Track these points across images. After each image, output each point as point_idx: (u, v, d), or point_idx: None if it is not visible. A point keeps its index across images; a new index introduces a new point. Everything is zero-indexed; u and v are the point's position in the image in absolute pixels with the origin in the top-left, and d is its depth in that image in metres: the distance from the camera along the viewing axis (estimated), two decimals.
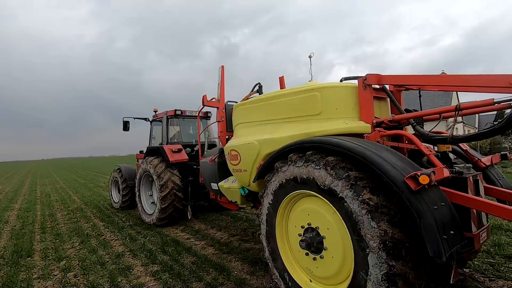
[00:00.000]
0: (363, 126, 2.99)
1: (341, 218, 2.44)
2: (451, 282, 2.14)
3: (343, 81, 3.56)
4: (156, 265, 4.54)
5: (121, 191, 8.52)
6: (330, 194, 2.49)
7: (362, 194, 2.25)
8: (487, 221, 2.77)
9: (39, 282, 4.23)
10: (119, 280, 4.10)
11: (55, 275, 4.41)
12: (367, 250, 2.22)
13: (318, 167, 2.56)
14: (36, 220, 8.34)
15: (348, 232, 2.40)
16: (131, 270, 4.41)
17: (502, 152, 3.42)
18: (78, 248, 5.61)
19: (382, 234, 2.13)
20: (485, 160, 3.24)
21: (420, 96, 3.22)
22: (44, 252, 5.52)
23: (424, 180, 1.98)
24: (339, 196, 2.39)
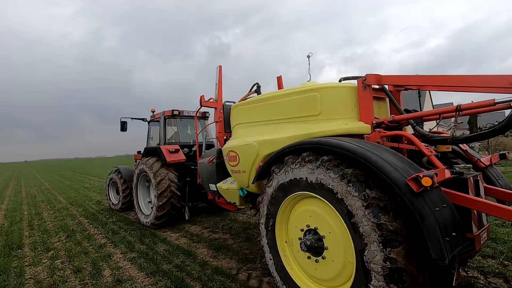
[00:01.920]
0: (363, 127, 2.97)
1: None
2: (453, 284, 2.13)
3: (342, 81, 3.54)
4: (133, 253, 5.18)
5: (121, 193, 8.44)
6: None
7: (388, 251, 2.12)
8: (487, 221, 2.77)
9: (30, 268, 4.79)
10: (101, 264, 4.73)
11: (44, 263, 4.99)
12: None
13: (356, 192, 2.32)
14: (23, 218, 8.72)
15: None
16: (111, 257, 5.02)
17: (501, 152, 3.42)
18: (64, 241, 6.15)
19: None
20: (485, 160, 3.24)
21: (419, 96, 3.21)
22: (33, 245, 6.01)
23: (426, 182, 1.97)
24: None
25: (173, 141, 7.47)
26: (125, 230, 6.70)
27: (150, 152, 7.09)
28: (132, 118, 8.54)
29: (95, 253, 5.25)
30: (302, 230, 2.88)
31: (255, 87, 4.96)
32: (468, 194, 2.45)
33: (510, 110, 2.48)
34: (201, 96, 5.24)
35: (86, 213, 8.85)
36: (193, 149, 7.31)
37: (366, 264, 2.23)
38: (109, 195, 9.19)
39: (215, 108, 5.16)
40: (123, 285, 3.99)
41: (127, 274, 4.31)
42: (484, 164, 3.19)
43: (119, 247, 5.53)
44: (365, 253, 2.23)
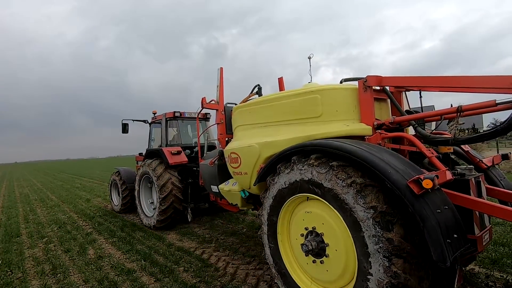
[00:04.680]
0: (364, 128, 2.97)
1: None
2: (455, 285, 2.12)
3: (343, 83, 3.54)
4: (115, 238, 6.16)
5: (120, 194, 8.47)
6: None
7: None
8: (489, 222, 2.76)
9: (28, 250, 5.76)
10: (86, 246, 5.72)
11: (40, 246, 5.98)
12: None
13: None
14: (19, 214, 9.61)
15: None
16: (95, 242, 6.04)
17: (503, 153, 3.41)
18: (56, 231, 7.09)
19: None
20: (487, 161, 3.23)
21: (421, 97, 3.20)
22: (29, 234, 6.99)
23: (427, 184, 1.96)
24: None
25: (175, 142, 7.48)
26: (110, 222, 7.65)
27: (152, 154, 7.11)
28: (133, 120, 8.57)
29: (82, 239, 6.26)
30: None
31: (256, 89, 4.97)
32: (470, 195, 2.44)
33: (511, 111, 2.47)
34: (202, 98, 5.25)
35: (76, 209, 9.68)
36: (195, 150, 7.32)
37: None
38: (111, 196, 9.21)
39: (217, 110, 5.18)
40: (103, 259, 4.98)
41: (107, 252, 5.34)
42: (486, 165, 3.18)
43: (103, 234, 6.54)
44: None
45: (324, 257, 2.67)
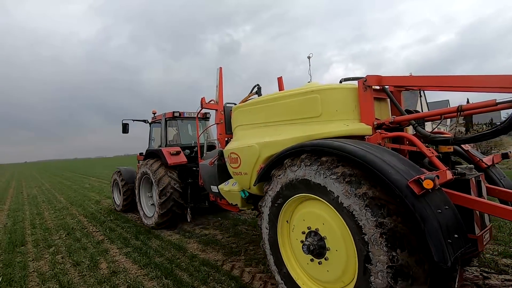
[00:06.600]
0: (364, 128, 2.96)
1: None
2: (456, 285, 2.12)
3: (343, 82, 3.54)
4: (129, 248, 5.53)
5: (121, 194, 8.48)
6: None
7: None
8: (490, 222, 2.76)
9: (33, 263, 5.18)
10: (98, 258, 5.09)
11: (46, 257, 5.37)
12: None
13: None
14: (25, 218, 9.08)
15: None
16: (108, 252, 5.39)
17: (503, 152, 3.40)
18: (64, 238, 6.52)
19: None
20: (487, 160, 3.22)
21: (420, 96, 3.20)
22: (35, 242, 6.39)
23: (428, 184, 1.96)
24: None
25: (175, 142, 7.47)
26: (122, 227, 7.06)
27: (152, 154, 7.10)
28: (133, 120, 8.57)
29: (93, 249, 5.66)
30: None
31: (255, 89, 4.96)
32: (470, 194, 2.44)
33: None
34: (202, 98, 5.26)
35: (85, 212, 9.22)
36: (195, 150, 7.31)
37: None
38: (113, 196, 9.23)
39: (216, 109, 5.17)
40: (118, 276, 4.35)
41: (122, 266, 4.70)
42: (486, 164, 3.18)
43: (115, 243, 5.91)
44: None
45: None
